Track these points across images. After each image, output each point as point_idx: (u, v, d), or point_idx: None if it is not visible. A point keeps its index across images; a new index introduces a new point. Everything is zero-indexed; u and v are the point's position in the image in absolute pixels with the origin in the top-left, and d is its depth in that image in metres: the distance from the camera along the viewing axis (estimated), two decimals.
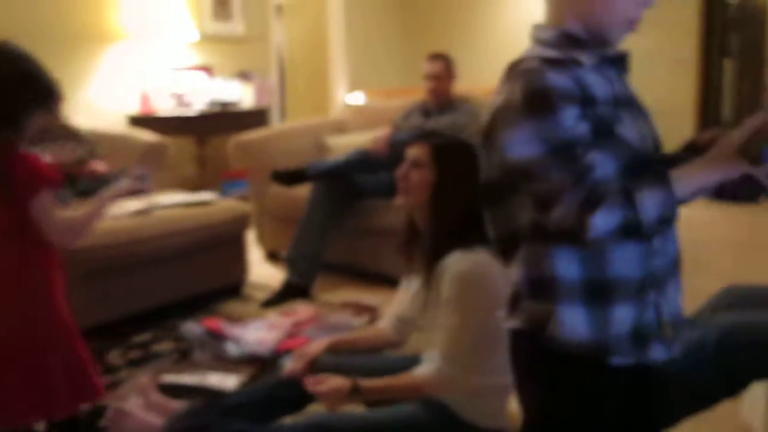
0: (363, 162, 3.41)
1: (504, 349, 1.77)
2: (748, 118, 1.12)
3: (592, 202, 1.06)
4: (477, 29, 7.61)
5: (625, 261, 1.15)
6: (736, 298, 1.74)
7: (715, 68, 6.37)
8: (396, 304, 2.01)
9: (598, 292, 1.15)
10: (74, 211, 1.67)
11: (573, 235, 1.09)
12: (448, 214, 1.70)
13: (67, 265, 2.68)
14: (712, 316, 1.68)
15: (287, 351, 2.48)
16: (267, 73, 6.19)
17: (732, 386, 1.58)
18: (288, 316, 2.79)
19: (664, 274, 1.20)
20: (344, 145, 4.04)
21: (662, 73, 5.96)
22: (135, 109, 5.17)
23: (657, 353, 1.20)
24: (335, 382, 1.71)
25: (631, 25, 1.21)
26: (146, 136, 4.52)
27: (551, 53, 1.16)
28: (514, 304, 1.24)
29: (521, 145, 1.10)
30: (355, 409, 1.83)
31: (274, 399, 1.92)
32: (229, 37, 5.95)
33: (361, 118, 4.48)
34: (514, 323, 1.24)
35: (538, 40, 1.24)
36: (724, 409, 1.63)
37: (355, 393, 1.70)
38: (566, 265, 1.15)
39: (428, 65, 3.70)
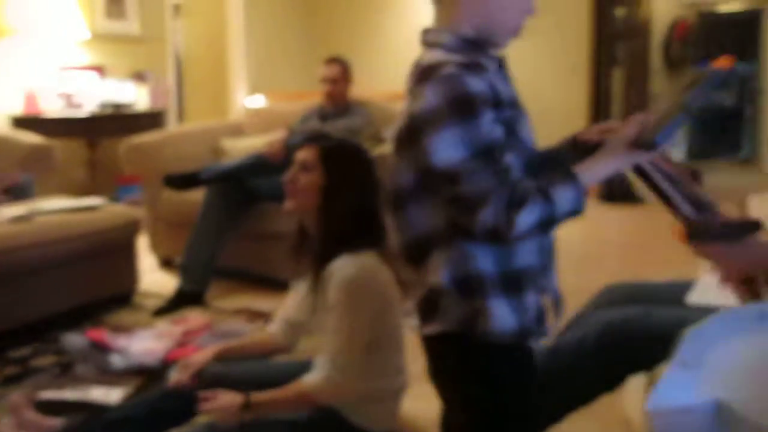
0: (258, 166, 3.36)
1: (394, 351, 1.79)
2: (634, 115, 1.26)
3: (516, 201, 1.12)
4: (375, 35, 7.69)
5: (529, 252, 1.23)
6: (617, 295, 1.83)
7: (605, 75, 6.68)
8: (285, 307, 1.98)
9: (513, 283, 1.22)
10: None
11: (498, 235, 1.13)
12: (336, 218, 1.69)
13: None
14: (594, 313, 1.75)
15: (177, 361, 2.41)
16: (163, 74, 6.01)
17: (610, 380, 1.66)
18: (178, 324, 2.71)
19: (549, 262, 1.30)
20: (241, 148, 3.97)
21: (557, 78, 6.23)
22: (19, 109, 4.91)
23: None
24: (225, 398, 1.66)
25: (516, 31, 1.27)
26: (30, 138, 4.30)
27: (460, 58, 1.19)
28: (431, 308, 1.24)
29: (447, 150, 1.13)
30: None
31: (159, 412, 1.86)
32: (124, 36, 5.75)
33: (259, 121, 4.42)
34: (434, 328, 1.25)
35: (439, 45, 1.24)
36: (605, 402, 1.69)
37: (246, 408, 1.65)
38: (486, 262, 1.20)
39: (325, 69, 3.70)
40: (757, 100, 7.79)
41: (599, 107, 6.70)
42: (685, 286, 1.76)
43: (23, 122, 4.77)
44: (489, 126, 1.13)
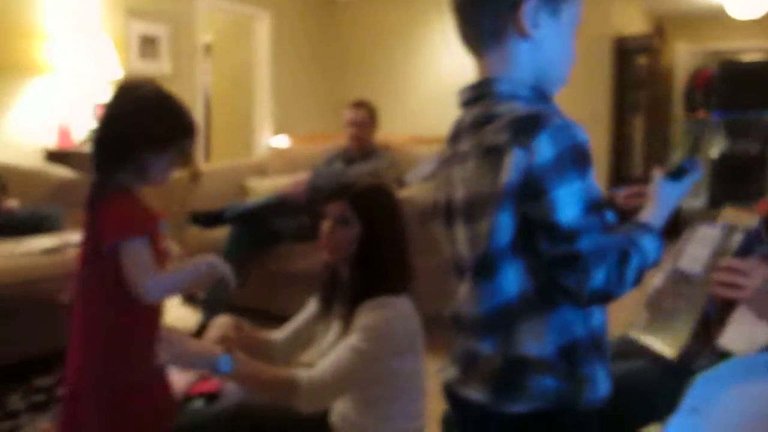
0: (281, 206, 3.44)
1: (416, 396, 1.78)
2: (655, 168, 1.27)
3: (623, 258, 1.08)
4: (396, 80, 7.84)
5: (599, 310, 1.20)
6: (631, 345, 1.82)
7: (626, 123, 6.75)
8: (295, 323, 1.96)
9: (598, 344, 1.19)
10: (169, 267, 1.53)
11: (610, 294, 1.09)
12: (372, 265, 1.69)
13: None
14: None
15: (198, 395, 2.46)
16: (192, 112, 6.16)
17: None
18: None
19: None
20: (265, 187, 4.06)
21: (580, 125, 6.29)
22: (52, 143, 5.07)
23: None
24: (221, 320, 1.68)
25: (565, 80, 1.27)
26: (60, 171, 4.43)
27: (541, 109, 1.15)
28: (513, 383, 1.16)
29: (569, 205, 1.07)
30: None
31: None
32: (155, 75, 5.92)
33: (282, 161, 4.52)
34: (521, 407, 1.16)
35: (516, 96, 1.19)
36: None
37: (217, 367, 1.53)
38: (579, 326, 1.16)
39: (351, 113, 3.78)
40: None
41: (620, 154, 6.75)
42: None
43: (56, 156, 4.92)
44: (593, 179, 1.10)
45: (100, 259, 1.41)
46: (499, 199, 1.12)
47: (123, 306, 1.44)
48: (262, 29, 7.26)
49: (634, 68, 6.79)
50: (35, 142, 5.03)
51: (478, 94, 1.25)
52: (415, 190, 3.42)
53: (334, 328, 1.78)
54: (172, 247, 1.66)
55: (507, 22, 1.19)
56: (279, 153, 4.74)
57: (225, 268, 1.52)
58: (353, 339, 1.60)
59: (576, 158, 1.08)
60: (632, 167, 6.91)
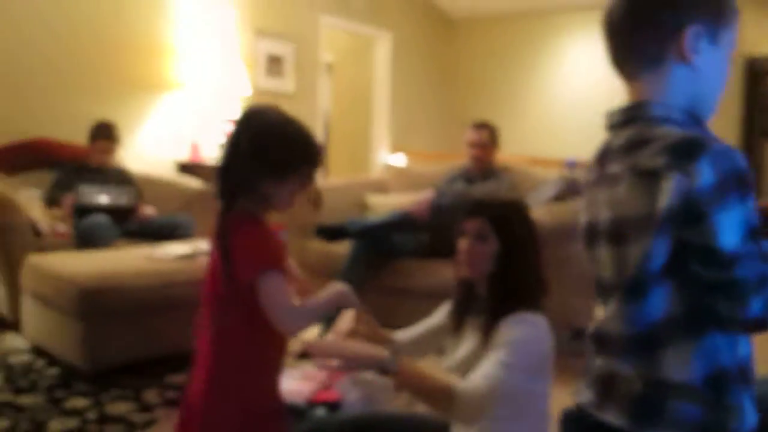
0: (403, 223, 3.49)
1: (543, 418, 1.76)
2: None
3: None
4: (515, 100, 7.79)
5: (746, 340, 1.18)
6: None
7: (756, 148, 6.45)
8: (422, 326, 1.96)
9: (745, 373, 1.17)
10: (305, 298, 1.54)
11: (765, 323, 1.07)
12: (510, 282, 1.68)
13: (107, 303, 2.83)
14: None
15: (321, 403, 2.52)
16: (313, 129, 6.36)
17: None
18: (323, 368, 2.83)
19: None
20: (385, 204, 4.13)
21: None
22: (185, 156, 5.36)
23: None
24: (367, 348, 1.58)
25: (716, 106, 1.26)
26: (192, 182, 4.68)
27: (699, 133, 1.14)
28: (653, 409, 1.15)
29: (731, 230, 1.06)
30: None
31: None
32: (280, 92, 6.16)
33: (402, 180, 4.58)
34: None
35: (666, 119, 1.19)
36: None
37: (392, 372, 1.52)
38: (727, 353, 1.14)
39: (473, 133, 3.79)
40: None
41: None
42: None
43: (188, 168, 5.20)
44: (753, 206, 1.08)
45: (234, 285, 1.42)
46: (656, 222, 1.11)
47: (255, 329, 1.45)
48: (382, 49, 7.41)
49: (764, 92, 6.47)
50: (168, 155, 5.34)
51: (629, 117, 1.24)
52: (537, 213, 3.38)
53: (468, 341, 1.78)
54: (292, 265, 1.67)
55: (668, 47, 1.20)
56: (399, 171, 4.81)
57: (354, 298, 1.53)
58: (500, 354, 1.59)
59: (738, 183, 1.07)
60: (762, 195, 6.56)
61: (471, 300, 1.80)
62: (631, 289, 1.18)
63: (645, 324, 1.16)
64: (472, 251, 1.72)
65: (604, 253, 1.25)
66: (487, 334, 1.65)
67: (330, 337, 1.73)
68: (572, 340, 2.20)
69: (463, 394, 1.51)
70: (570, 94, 7.34)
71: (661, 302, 1.14)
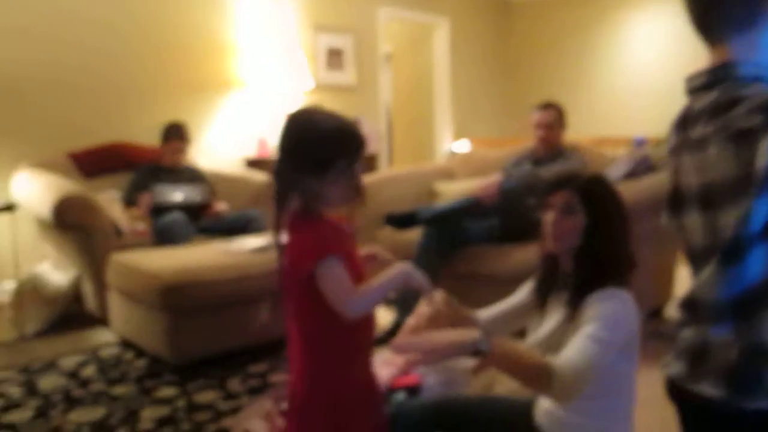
0: (471, 208, 3.47)
1: (628, 397, 1.74)
2: None
3: None
4: (578, 81, 7.64)
5: None
6: None
7: None
8: (504, 305, 1.94)
9: None
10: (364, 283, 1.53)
11: None
12: (599, 255, 1.66)
13: (189, 297, 2.92)
14: None
15: (400, 388, 2.55)
16: (375, 120, 6.41)
17: None
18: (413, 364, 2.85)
19: None
20: (453, 191, 4.13)
21: None
22: (252, 152, 5.47)
23: None
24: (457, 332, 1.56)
25: None
26: (260, 177, 4.77)
27: None
28: (754, 377, 1.14)
29: None
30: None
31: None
32: (341, 85, 6.22)
33: (468, 166, 4.56)
34: (763, 403, 1.13)
35: (757, 78, 1.18)
36: None
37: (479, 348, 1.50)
38: None
39: (539, 114, 3.75)
40: None
41: None
42: None
43: (255, 164, 5.31)
44: None
45: (303, 280, 1.45)
46: (754, 183, 1.09)
47: (336, 318, 1.46)
48: (441, 36, 7.39)
49: None
50: (236, 152, 5.46)
51: (714, 79, 1.22)
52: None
53: (552, 318, 1.76)
54: (383, 253, 1.70)
55: (759, 8, 1.20)
56: (465, 157, 4.79)
57: (419, 276, 1.52)
58: (591, 329, 1.55)
59: None
60: None
61: (555, 275, 1.78)
62: (729, 252, 1.15)
63: (743, 287, 1.14)
64: (559, 224, 1.69)
65: (693, 219, 1.23)
66: (574, 309, 1.63)
67: (411, 321, 1.74)
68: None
69: (561, 371, 1.48)
70: (635, 71, 7.17)
71: (759, 264, 1.11)
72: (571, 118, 3.96)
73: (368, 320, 1.56)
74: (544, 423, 1.71)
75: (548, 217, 1.71)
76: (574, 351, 1.52)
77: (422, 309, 1.76)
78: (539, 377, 1.49)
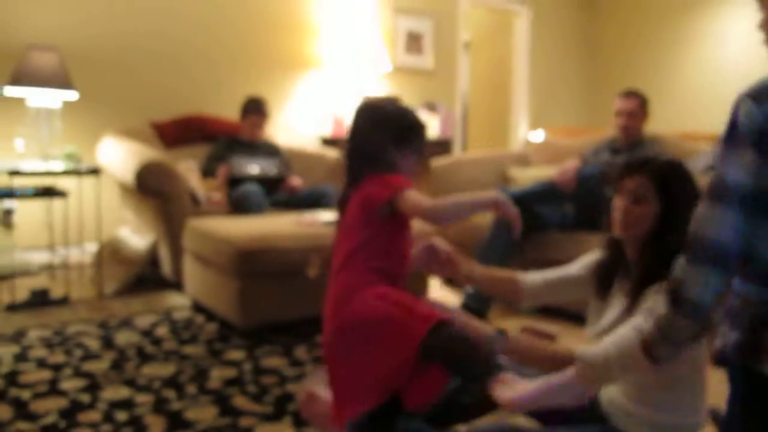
0: (548, 193, 3.40)
1: (700, 389, 1.67)
2: None
3: None
4: (664, 73, 7.38)
5: None
6: None
7: None
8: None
9: None
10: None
11: None
12: (665, 246, 1.57)
13: (261, 263, 2.97)
14: None
15: None
16: (451, 105, 6.37)
17: None
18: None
19: None
20: (528, 177, 4.07)
21: None
22: (328, 131, 5.52)
23: None
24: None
25: None
26: (334, 154, 4.82)
27: None
28: None
29: None
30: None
31: (453, 405, 1.95)
32: (419, 69, 6.20)
33: (543, 153, 4.49)
34: None
35: None
36: None
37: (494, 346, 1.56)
38: None
39: (621, 102, 3.65)
40: None
41: None
42: None
43: (330, 142, 5.36)
44: None
45: (369, 218, 1.57)
46: None
47: (378, 264, 1.58)
48: (521, 24, 7.27)
49: None
50: (312, 130, 5.53)
51: None
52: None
53: (615, 308, 1.70)
54: (439, 241, 1.82)
55: None
56: (539, 146, 4.70)
57: (512, 207, 1.55)
58: (639, 319, 1.51)
59: None
60: None
61: (619, 263, 1.71)
62: None
63: None
64: (629, 211, 1.62)
65: None
66: (634, 300, 1.57)
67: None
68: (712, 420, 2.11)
69: (589, 360, 1.46)
70: (725, 65, 6.87)
71: None
72: (655, 110, 3.84)
73: (406, 257, 1.66)
74: (610, 412, 1.67)
75: (618, 203, 1.64)
76: (611, 340, 1.47)
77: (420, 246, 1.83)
78: (562, 364, 1.49)
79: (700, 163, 3.36)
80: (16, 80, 3.82)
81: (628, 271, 1.67)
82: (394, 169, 1.60)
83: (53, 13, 4.43)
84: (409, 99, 5.81)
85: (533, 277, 1.86)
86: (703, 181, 3.28)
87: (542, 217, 3.48)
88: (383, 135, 1.62)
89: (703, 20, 7.06)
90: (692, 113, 7.06)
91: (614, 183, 1.70)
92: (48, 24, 4.40)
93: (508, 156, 4.52)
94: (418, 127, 1.69)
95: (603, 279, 1.76)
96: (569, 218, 3.54)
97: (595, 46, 7.94)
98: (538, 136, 6.81)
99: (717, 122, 7.07)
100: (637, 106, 3.64)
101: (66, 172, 3.73)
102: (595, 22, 7.96)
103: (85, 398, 2.34)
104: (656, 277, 1.55)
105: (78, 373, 2.57)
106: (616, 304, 1.69)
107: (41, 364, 2.66)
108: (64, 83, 3.95)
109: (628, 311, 1.61)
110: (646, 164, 1.63)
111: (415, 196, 1.55)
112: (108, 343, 2.93)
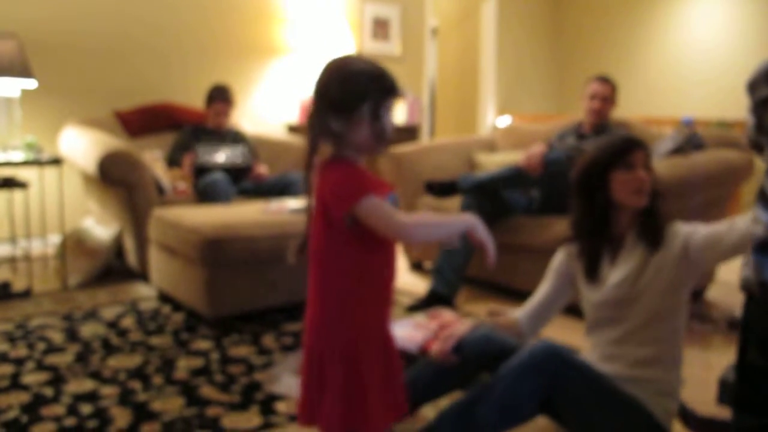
0: (514, 178, 3.41)
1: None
2: None
3: None
4: (628, 59, 7.45)
5: None
6: None
7: None
8: (536, 300, 2.02)
9: None
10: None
11: None
12: (658, 200, 1.85)
13: (228, 252, 2.94)
14: None
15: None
16: (419, 92, 6.36)
17: None
18: (434, 318, 2.85)
19: None
20: (494, 162, 4.08)
21: None
22: (294, 119, 5.48)
23: None
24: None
25: None
26: (302, 142, 4.78)
27: None
28: None
29: None
30: None
31: (444, 374, 2.01)
32: (386, 56, 6.17)
33: (510, 138, 4.51)
34: None
35: None
36: None
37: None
38: None
39: (597, 85, 3.66)
40: None
41: None
42: None
43: (297, 130, 5.32)
44: None
45: (335, 232, 1.42)
46: None
47: (357, 274, 1.45)
48: (488, 10, 7.28)
49: None
50: (278, 118, 5.48)
51: None
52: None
53: (616, 273, 1.83)
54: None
55: None
56: (506, 131, 4.73)
57: (484, 232, 1.45)
58: (702, 227, 1.75)
59: None
60: None
61: (604, 238, 1.86)
62: None
63: None
64: (648, 180, 1.80)
65: None
66: (658, 242, 1.77)
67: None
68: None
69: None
70: (688, 51, 6.95)
71: None
72: (620, 96, 3.88)
73: (389, 271, 1.50)
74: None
75: (640, 174, 1.79)
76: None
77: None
78: None
79: (666, 145, 3.41)
80: None
81: (617, 239, 1.85)
82: (341, 140, 1.43)
83: None
84: None
85: (525, 315, 2.02)
86: (669, 163, 3.33)
87: (509, 202, 3.50)
88: (324, 102, 1.44)
89: (667, 5, 7.13)
90: (655, 98, 7.14)
91: (618, 159, 1.82)
92: (6, 10, 4.29)
93: (475, 141, 4.53)
94: (368, 90, 1.44)
95: (592, 259, 1.89)
96: (536, 203, 3.57)
97: (561, 31, 7.99)
98: (505, 122, 6.84)
99: (677, 107, 7.17)
100: (610, 91, 3.68)
101: (26, 163, 3.65)
102: (561, 6, 8.00)
103: (49, 392, 2.30)
104: (663, 223, 1.80)
105: (41, 367, 2.52)
106: (621, 265, 1.83)
107: (2, 358, 2.61)
108: (23, 71, 3.86)
109: (647, 259, 1.78)
110: (637, 139, 1.84)
111: (382, 206, 1.37)
112: (72, 335, 2.88)
